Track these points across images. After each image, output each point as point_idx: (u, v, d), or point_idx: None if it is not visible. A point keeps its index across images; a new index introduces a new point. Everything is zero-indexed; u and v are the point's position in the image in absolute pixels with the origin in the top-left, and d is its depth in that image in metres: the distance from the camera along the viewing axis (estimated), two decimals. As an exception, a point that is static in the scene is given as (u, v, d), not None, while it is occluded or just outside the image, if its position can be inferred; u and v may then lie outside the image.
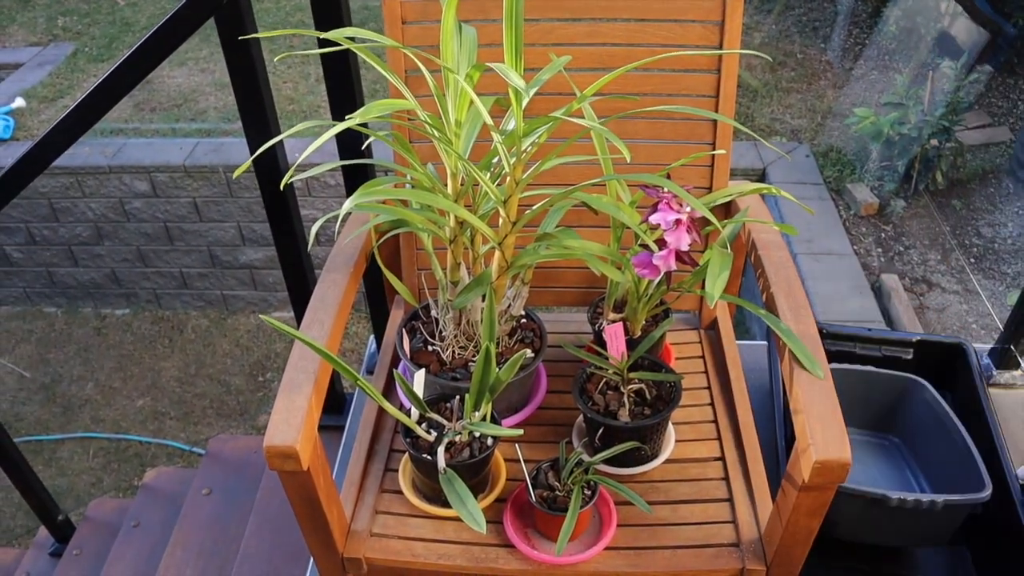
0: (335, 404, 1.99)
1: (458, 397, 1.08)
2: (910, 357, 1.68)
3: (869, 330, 1.68)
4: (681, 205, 0.95)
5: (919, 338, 1.66)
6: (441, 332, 1.17)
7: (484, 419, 1.06)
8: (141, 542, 2.23)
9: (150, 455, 4.18)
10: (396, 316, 1.38)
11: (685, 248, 0.96)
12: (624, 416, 1.10)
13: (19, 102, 4.73)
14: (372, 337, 1.93)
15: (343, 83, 1.37)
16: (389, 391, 1.30)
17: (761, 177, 3.91)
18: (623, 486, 1.03)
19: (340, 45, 0.90)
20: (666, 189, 0.94)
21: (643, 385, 1.14)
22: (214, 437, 2.56)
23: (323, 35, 0.93)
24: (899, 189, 3.81)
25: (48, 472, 4.08)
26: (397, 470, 1.15)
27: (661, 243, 0.97)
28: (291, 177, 1.04)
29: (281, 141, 1.34)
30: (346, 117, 0.81)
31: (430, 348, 1.18)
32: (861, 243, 3.66)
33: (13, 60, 5.29)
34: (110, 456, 4.20)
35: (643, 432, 1.09)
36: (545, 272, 1.34)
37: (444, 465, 0.98)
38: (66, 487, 4.03)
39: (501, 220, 0.97)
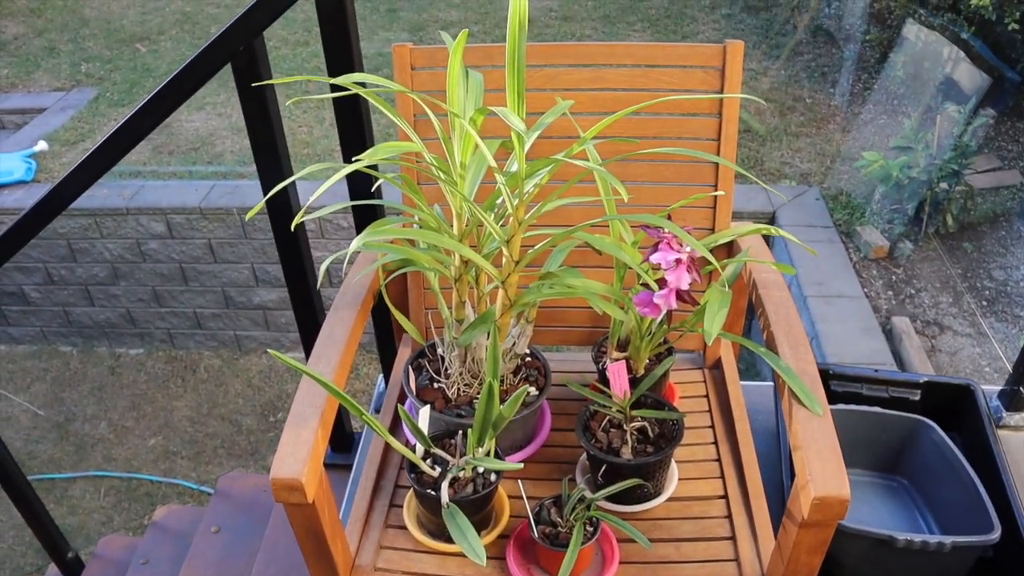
0: (343, 443, 2.00)
1: (461, 433, 1.09)
2: (917, 398, 1.68)
3: (876, 371, 1.69)
4: (681, 245, 0.98)
5: (927, 379, 1.66)
6: (447, 369, 1.19)
7: (488, 455, 1.07)
8: (149, 580, 2.23)
9: (161, 494, 4.18)
10: (404, 354, 1.40)
11: (686, 287, 0.98)
12: (627, 454, 1.11)
13: (42, 145, 4.84)
14: (381, 376, 1.95)
15: (354, 127, 1.41)
16: (396, 428, 1.32)
17: (771, 220, 3.94)
18: (625, 522, 1.04)
19: (350, 90, 0.93)
20: (666, 229, 0.96)
21: (646, 423, 1.15)
22: (224, 475, 2.57)
23: (334, 80, 0.96)
24: (909, 232, 3.82)
25: (59, 510, 4.09)
26: (402, 506, 1.16)
27: (662, 283, 0.99)
28: (302, 217, 1.07)
29: (294, 183, 1.37)
30: (352, 159, 0.84)
31: (436, 385, 1.19)
32: (872, 286, 3.66)
33: (37, 105, 5.41)
34: (121, 495, 4.20)
35: (645, 469, 1.10)
36: (550, 312, 1.36)
37: (447, 500, 0.99)
38: (77, 525, 4.04)
39: (504, 259, 0.99)
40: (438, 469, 1.08)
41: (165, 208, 4.27)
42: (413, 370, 1.23)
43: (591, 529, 1.04)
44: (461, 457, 1.07)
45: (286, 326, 4.70)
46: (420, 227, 1.12)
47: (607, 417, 1.16)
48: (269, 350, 0.99)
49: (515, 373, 1.23)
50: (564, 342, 1.40)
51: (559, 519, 1.06)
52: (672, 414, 1.13)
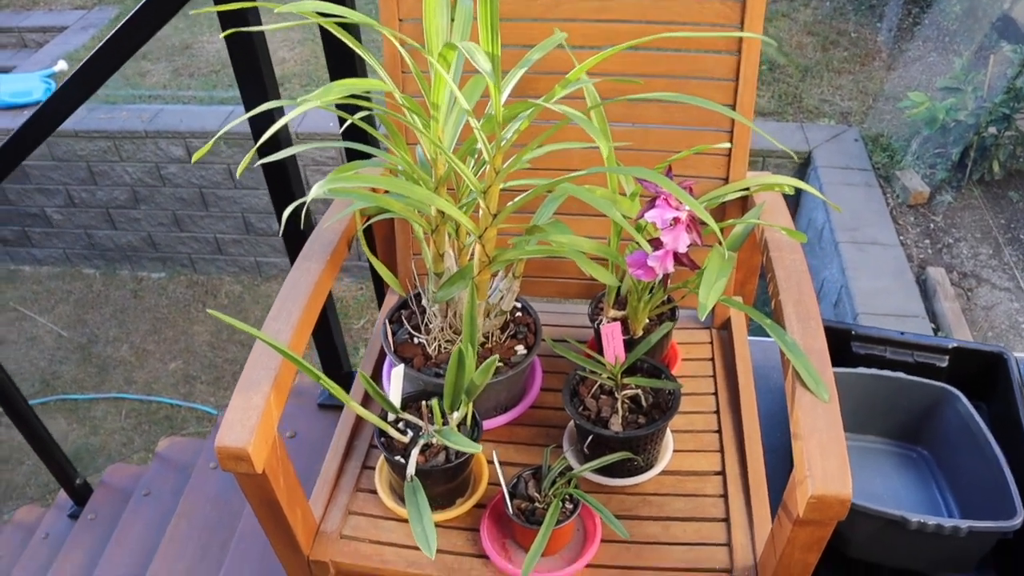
0: (342, 383, 1.94)
1: (437, 398, 1.01)
2: (945, 365, 1.57)
3: (902, 334, 1.58)
4: (681, 202, 0.87)
5: (956, 345, 1.55)
6: (427, 324, 1.11)
7: (464, 421, 1.00)
8: (151, 512, 2.22)
9: (180, 418, 4.21)
10: (390, 302, 1.32)
11: (683, 250, 0.87)
12: (616, 425, 1.02)
13: (61, 65, 4.75)
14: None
15: (342, 58, 1.30)
16: (380, 379, 1.24)
17: (806, 161, 3.75)
18: (603, 506, 0.95)
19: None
20: (662, 186, 0.85)
21: (639, 391, 1.06)
22: (223, 408, 2.54)
23: (283, 8, 0.85)
24: (951, 178, 3.63)
25: (82, 430, 4.15)
26: (375, 468, 1.09)
27: (657, 243, 0.89)
28: (245, 165, 0.98)
29: (280, 112, 1.28)
30: (299, 100, 0.74)
31: (416, 341, 1.11)
32: (908, 233, 3.49)
33: (59, 23, 5.31)
34: (141, 417, 4.24)
35: (635, 443, 1.01)
36: (545, 262, 1.26)
37: (413, 472, 0.92)
38: (99, 445, 4.09)
39: (481, 212, 0.89)
40: (410, 433, 1.00)
41: (184, 132, 4.19)
42: (395, 322, 1.15)
43: (571, 506, 0.96)
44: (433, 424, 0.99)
45: (306, 255, 4.64)
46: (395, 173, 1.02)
47: (598, 383, 1.07)
48: (209, 310, 0.91)
49: (503, 330, 1.14)
50: (562, 295, 1.30)
51: (536, 493, 0.98)
52: (668, 383, 1.04)
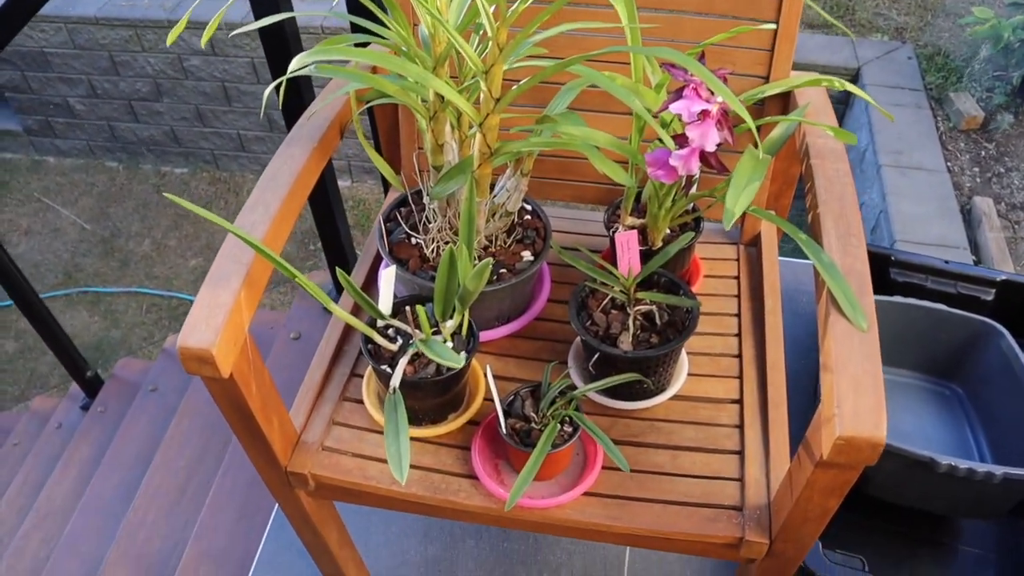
0: (348, 270, 1.87)
1: (427, 304, 0.92)
2: (991, 298, 1.45)
3: (946, 262, 1.46)
4: (713, 93, 0.75)
5: (1004, 277, 1.43)
6: (427, 223, 1.01)
7: (459, 331, 0.91)
8: (156, 407, 2.20)
9: (199, 316, 4.20)
10: (390, 200, 1.22)
11: (712, 148, 0.76)
12: (625, 344, 0.93)
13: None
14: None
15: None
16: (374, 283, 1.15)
17: (854, 77, 3.54)
18: (604, 433, 0.86)
19: None
20: (691, 72, 0.74)
21: (653, 307, 0.96)
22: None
23: None
24: (1010, 103, 3.40)
25: (104, 323, 4.16)
26: (363, 376, 1.01)
27: (682, 139, 0.78)
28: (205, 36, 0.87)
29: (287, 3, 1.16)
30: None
31: (413, 241, 1.02)
32: (957, 160, 3.30)
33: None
34: (161, 312, 4.25)
35: (645, 364, 0.92)
36: (561, 163, 1.15)
37: (397, 384, 0.83)
38: (120, 338, 4.11)
39: (482, 96, 0.78)
40: (400, 341, 0.92)
41: (207, 22, 4.04)
42: (392, 221, 1.05)
43: (570, 429, 0.88)
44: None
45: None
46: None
47: (609, 296, 0.98)
48: (166, 194, 0.82)
49: (508, 233, 1.04)
50: (577, 199, 1.20)
51: (533, 413, 0.90)
52: (685, 301, 0.94)
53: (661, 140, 0.78)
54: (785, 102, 1.04)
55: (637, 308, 0.95)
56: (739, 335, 1.06)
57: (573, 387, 0.91)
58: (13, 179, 4.85)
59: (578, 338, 1.04)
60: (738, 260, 1.17)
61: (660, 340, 0.94)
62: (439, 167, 0.92)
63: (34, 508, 2.11)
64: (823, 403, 0.71)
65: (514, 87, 0.78)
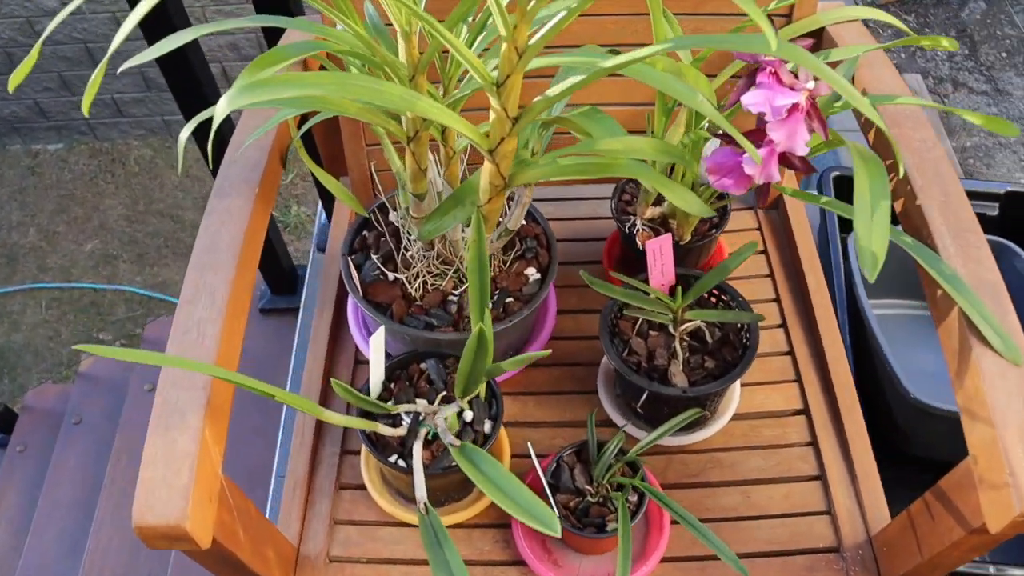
0: (284, 282, 1.64)
1: (437, 360, 0.74)
2: (995, 213, 1.33)
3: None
4: (797, 77, 0.57)
5: (1008, 189, 1.31)
6: (405, 253, 0.81)
7: (478, 398, 0.73)
8: (85, 442, 1.96)
9: (107, 303, 3.87)
10: (340, 221, 1.00)
11: (803, 151, 0.58)
12: (679, 377, 0.76)
13: None
14: (320, 205, 1.55)
15: None
16: (342, 327, 0.95)
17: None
18: (684, 511, 0.69)
19: None
20: (766, 56, 0.55)
21: (701, 323, 0.80)
22: (151, 321, 2.23)
23: None
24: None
25: (2, 328, 3.80)
26: (358, 452, 0.82)
27: (758, 136, 0.59)
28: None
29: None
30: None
31: (391, 278, 0.82)
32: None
33: None
34: (64, 307, 3.90)
35: (705, 397, 0.76)
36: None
37: (424, 497, 0.65)
38: (23, 343, 3.76)
39: (493, 115, 0.58)
40: (405, 420, 0.73)
41: (52, -23, 3.57)
42: (357, 252, 0.85)
43: (635, 498, 0.72)
44: (439, 403, 0.71)
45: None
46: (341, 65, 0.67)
47: (643, 317, 0.80)
48: (76, 346, 0.60)
49: (506, 249, 0.85)
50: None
51: (586, 484, 0.74)
52: (744, 315, 0.77)
53: (725, 137, 0.60)
54: (814, 47, 0.86)
55: (683, 328, 0.78)
56: (784, 326, 0.91)
57: (624, 447, 0.74)
58: None
59: (604, 358, 0.87)
60: (760, 229, 1.01)
61: (715, 363, 0.78)
62: (421, 196, 0.72)
63: (-35, 574, 1.87)
64: (978, 460, 0.56)
65: (537, 99, 0.57)
